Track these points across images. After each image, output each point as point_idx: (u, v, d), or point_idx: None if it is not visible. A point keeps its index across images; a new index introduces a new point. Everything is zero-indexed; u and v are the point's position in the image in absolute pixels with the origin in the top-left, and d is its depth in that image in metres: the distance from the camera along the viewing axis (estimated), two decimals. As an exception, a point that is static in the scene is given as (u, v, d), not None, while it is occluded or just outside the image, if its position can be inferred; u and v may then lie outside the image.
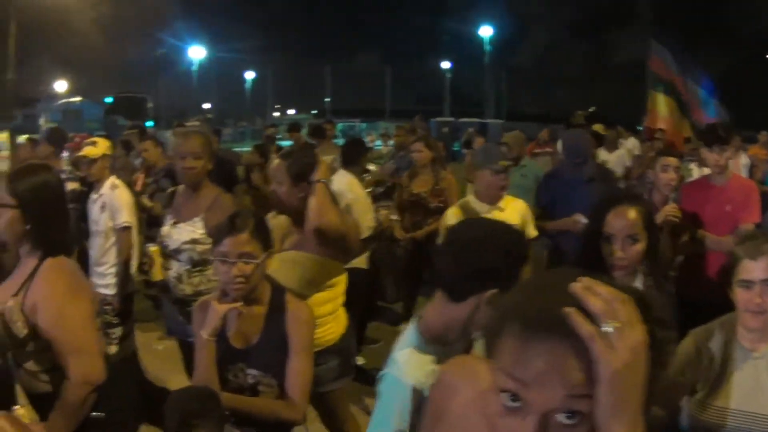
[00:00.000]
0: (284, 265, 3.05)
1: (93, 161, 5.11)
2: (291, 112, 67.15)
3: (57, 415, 2.51)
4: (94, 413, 2.61)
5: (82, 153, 5.22)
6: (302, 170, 3.22)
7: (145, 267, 3.86)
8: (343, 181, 5.63)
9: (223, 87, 62.57)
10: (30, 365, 2.58)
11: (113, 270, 5.00)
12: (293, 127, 11.14)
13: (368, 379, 5.27)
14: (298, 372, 2.56)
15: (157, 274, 3.85)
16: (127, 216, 5.06)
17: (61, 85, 43.04)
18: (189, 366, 4.09)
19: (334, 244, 3.13)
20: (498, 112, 48.58)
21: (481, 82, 53.81)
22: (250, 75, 66.23)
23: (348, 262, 3.40)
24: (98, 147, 5.18)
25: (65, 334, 2.54)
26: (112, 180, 5.20)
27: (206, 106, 47.77)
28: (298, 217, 3.25)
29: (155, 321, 6.76)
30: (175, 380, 5.24)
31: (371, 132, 34.15)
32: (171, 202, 4.02)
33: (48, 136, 6.51)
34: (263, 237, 2.57)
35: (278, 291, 2.69)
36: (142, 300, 7.03)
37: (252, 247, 2.50)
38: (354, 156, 6.26)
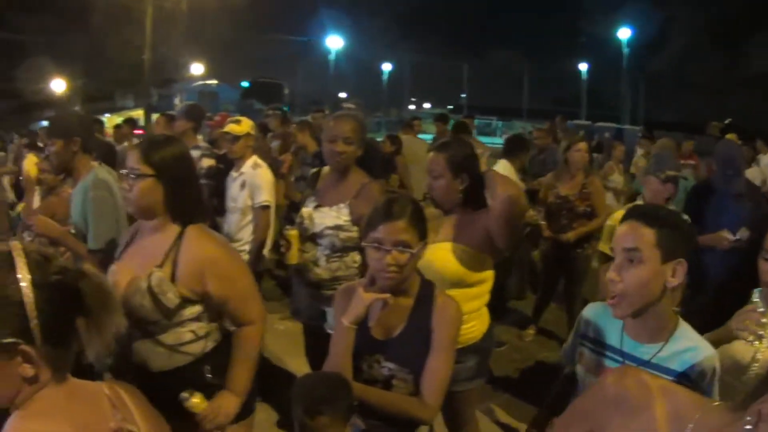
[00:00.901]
0: (438, 257, 3.01)
1: (236, 138, 5.20)
2: (426, 106, 67.42)
3: (240, 365, 2.70)
4: (208, 375, 2.68)
5: (225, 130, 5.32)
6: (463, 162, 3.17)
7: (282, 248, 3.88)
8: (502, 169, 5.83)
9: (360, 77, 63.58)
10: (167, 337, 2.61)
11: (246, 247, 5.09)
12: (441, 117, 11.12)
13: (493, 382, 5.19)
14: (437, 370, 2.45)
15: (293, 257, 3.85)
16: (267, 195, 5.12)
17: (197, 68, 44.58)
18: (310, 350, 4.19)
19: (516, 223, 3.04)
20: (633, 118, 47.01)
21: (617, 85, 52.23)
22: (387, 67, 66.78)
23: (502, 256, 3.28)
24: (242, 125, 5.27)
25: (237, 287, 2.68)
26: (254, 159, 5.29)
27: (342, 95, 48.63)
28: (453, 209, 3.21)
29: (279, 301, 6.91)
30: (291, 361, 5.35)
31: (507, 130, 33.75)
32: (314, 184, 4.01)
33: (186, 111, 6.58)
34: (420, 226, 2.46)
35: (427, 284, 2.59)
36: (267, 280, 7.18)
37: (408, 235, 2.39)
38: (516, 149, 6.63)
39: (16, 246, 1.38)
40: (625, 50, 50.17)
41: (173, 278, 2.56)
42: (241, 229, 5.14)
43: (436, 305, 2.51)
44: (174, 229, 2.65)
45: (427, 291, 2.56)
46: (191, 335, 2.64)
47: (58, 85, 39.42)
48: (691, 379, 2.07)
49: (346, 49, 56.76)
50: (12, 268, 1.33)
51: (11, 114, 32.90)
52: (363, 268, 3.63)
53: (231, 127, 5.25)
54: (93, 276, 1.44)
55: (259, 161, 5.32)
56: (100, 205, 3.76)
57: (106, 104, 34.85)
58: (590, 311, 2.43)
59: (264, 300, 5.82)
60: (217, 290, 2.61)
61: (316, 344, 3.89)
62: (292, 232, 3.85)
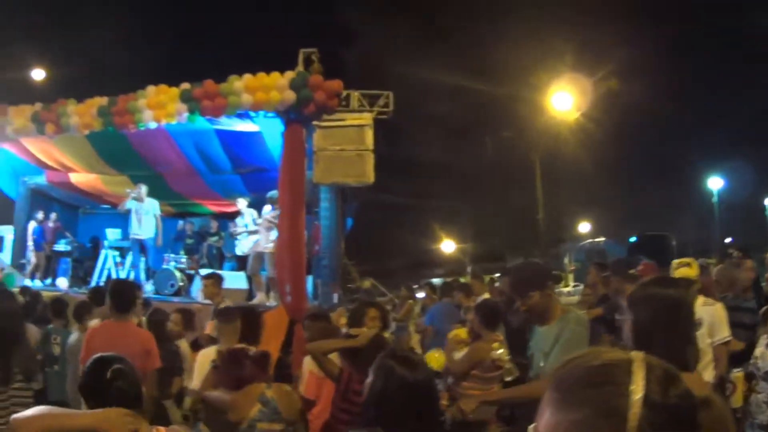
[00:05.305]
0: None
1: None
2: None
3: None
4: None
5: (678, 274, 5.38)
6: None
7: (726, 392, 3.77)
8: None
9: (744, 217, 59.19)
10: None
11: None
12: None
13: None
14: None
15: (737, 400, 3.82)
16: (726, 331, 5.08)
17: (584, 227, 45.43)
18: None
19: None
20: None
21: None
22: (768, 202, 61.87)
23: None
24: (692, 268, 5.43)
25: None
26: (703, 298, 5.33)
27: (727, 240, 45.76)
28: None
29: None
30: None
31: None
32: (765, 321, 4.30)
33: (614, 268, 7.09)
34: None
35: None
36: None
37: None
38: None
39: (638, 356, 1.28)
40: None
41: None
42: (702, 370, 5.00)
43: None
44: None
45: None
46: None
47: (448, 246, 42.70)
48: None
49: (729, 188, 53.44)
50: (628, 378, 1.23)
51: (403, 270, 36.06)
52: None
53: (683, 271, 5.39)
54: (716, 408, 1.34)
55: (708, 299, 5.41)
56: (576, 338, 4.05)
57: (496, 265, 36.76)
58: None
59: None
60: None
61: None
62: (738, 375, 3.85)
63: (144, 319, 7.42)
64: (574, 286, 26.41)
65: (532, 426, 1.32)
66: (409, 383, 2.88)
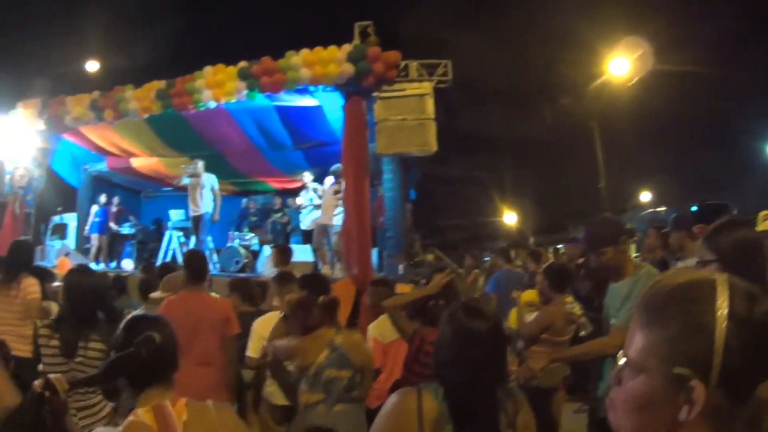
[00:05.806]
0: None
1: None
2: None
3: None
4: None
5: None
6: None
7: None
8: None
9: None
10: None
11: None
12: None
13: None
14: None
15: None
16: None
17: (645, 196, 44.73)
18: None
19: None
20: None
21: None
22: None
23: None
24: None
25: None
26: None
27: None
28: None
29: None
30: None
31: None
32: None
33: (676, 222, 7.10)
34: None
35: None
36: None
37: None
38: None
39: (721, 276, 1.32)
40: None
41: None
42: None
43: None
44: None
45: None
46: None
47: (510, 218, 42.43)
48: None
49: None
50: (713, 295, 1.26)
51: (465, 242, 35.98)
52: None
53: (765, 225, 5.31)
54: None
55: None
56: None
57: (558, 235, 36.33)
58: None
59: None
60: None
61: None
62: None
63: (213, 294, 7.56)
64: (636, 256, 25.97)
65: (620, 353, 1.36)
66: (466, 330, 2.72)
